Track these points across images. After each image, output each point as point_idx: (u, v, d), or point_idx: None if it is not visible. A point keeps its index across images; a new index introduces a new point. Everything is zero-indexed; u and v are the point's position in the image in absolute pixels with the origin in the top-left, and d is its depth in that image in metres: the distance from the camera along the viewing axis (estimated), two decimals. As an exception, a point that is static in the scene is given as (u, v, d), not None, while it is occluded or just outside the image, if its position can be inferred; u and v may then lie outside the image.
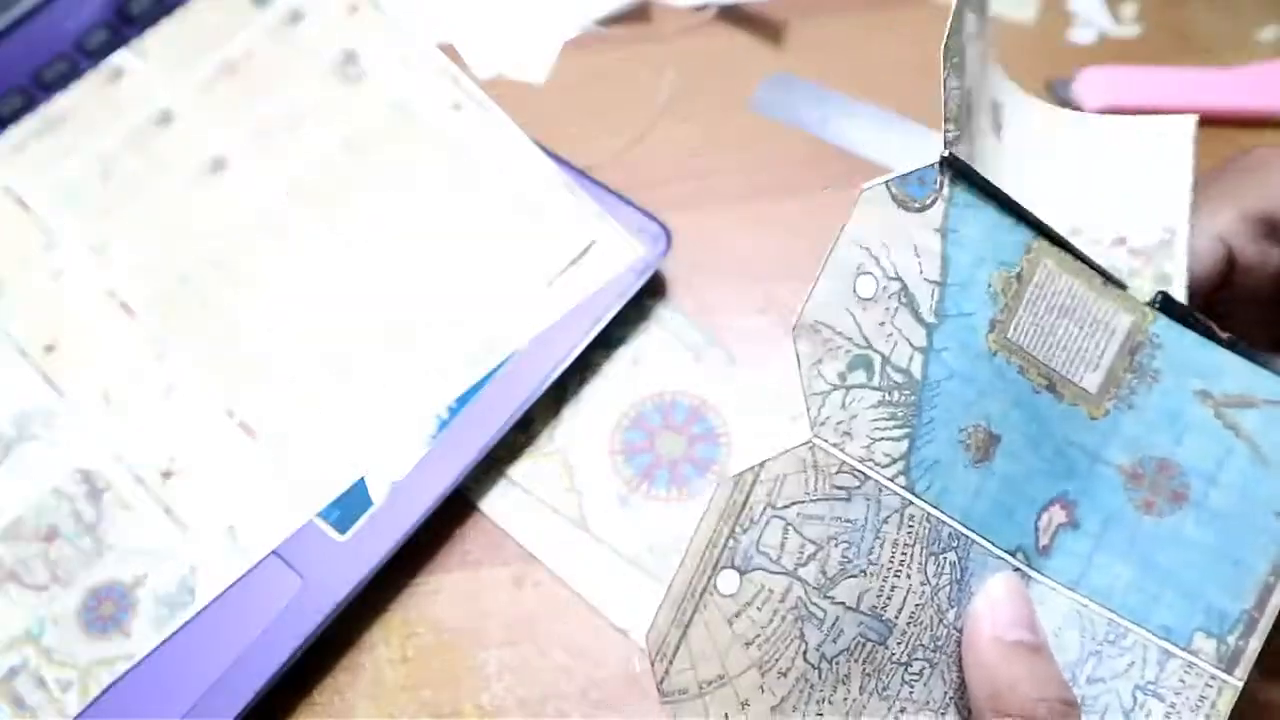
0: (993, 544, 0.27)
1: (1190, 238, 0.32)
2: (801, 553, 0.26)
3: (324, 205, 0.44)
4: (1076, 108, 0.48)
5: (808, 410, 0.26)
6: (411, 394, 0.41)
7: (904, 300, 0.27)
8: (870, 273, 0.26)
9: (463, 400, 0.40)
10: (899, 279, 0.27)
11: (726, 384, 0.43)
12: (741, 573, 0.26)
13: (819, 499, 0.26)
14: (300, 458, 0.40)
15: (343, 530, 0.38)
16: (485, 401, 0.40)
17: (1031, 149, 0.33)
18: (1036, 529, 0.28)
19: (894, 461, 0.26)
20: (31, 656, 0.37)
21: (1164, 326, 0.29)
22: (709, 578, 0.26)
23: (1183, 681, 0.28)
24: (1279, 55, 0.49)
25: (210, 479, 0.40)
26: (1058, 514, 0.28)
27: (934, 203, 0.27)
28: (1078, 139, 0.34)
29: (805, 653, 0.26)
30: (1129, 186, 0.33)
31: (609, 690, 0.38)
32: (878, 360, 0.26)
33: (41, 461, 0.40)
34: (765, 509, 0.26)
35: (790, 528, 0.26)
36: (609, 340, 0.43)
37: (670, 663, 0.26)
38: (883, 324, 0.26)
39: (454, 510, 0.40)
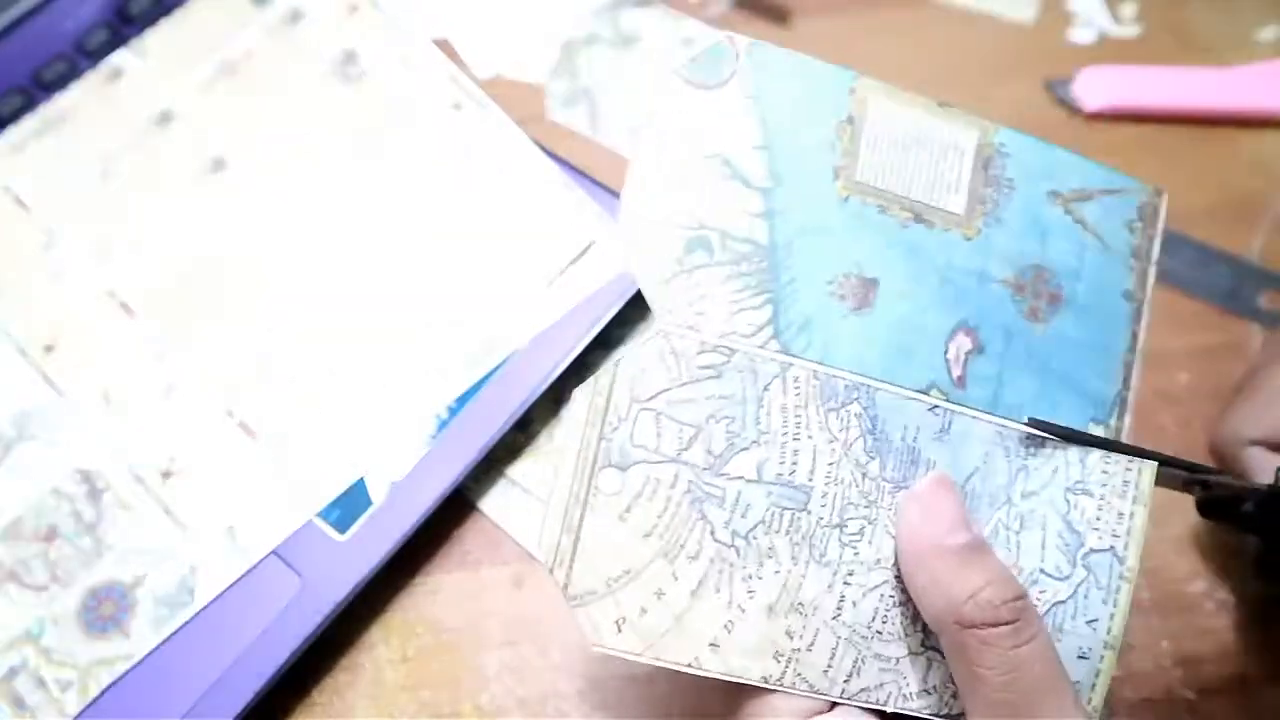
0: (900, 387, 0.27)
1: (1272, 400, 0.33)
2: (681, 438, 0.26)
3: (323, 205, 0.44)
4: (1075, 108, 0.48)
5: (651, 302, 0.26)
6: (411, 394, 0.41)
7: (729, 172, 0.27)
8: (683, 158, 0.26)
9: (463, 400, 0.40)
10: (717, 155, 0.27)
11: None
12: (621, 469, 0.26)
13: (685, 383, 0.26)
14: (300, 458, 0.40)
15: (343, 530, 0.38)
16: (485, 401, 0.40)
17: None
18: (947, 362, 0.27)
19: (759, 329, 0.26)
20: (31, 656, 0.37)
21: (1008, 135, 0.29)
22: (589, 480, 0.26)
23: (1105, 473, 0.28)
24: (1279, 55, 0.49)
25: (210, 479, 0.40)
26: (964, 342, 0.28)
27: (733, 75, 0.27)
28: None
29: (713, 532, 0.26)
30: None
31: (609, 690, 0.38)
32: (715, 236, 0.26)
33: (41, 461, 0.40)
34: (630, 405, 0.26)
35: (662, 416, 0.26)
36: (609, 340, 0.43)
37: (570, 568, 0.26)
38: (712, 200, 0.26)
39: (454, 510, 0.40)
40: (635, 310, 0.43)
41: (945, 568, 0.25)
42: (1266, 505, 0.32)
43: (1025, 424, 0.28)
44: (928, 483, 0.26)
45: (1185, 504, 0.39)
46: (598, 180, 0.44)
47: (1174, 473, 0.30)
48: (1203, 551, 0.38)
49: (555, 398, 0.42)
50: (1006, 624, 0.24)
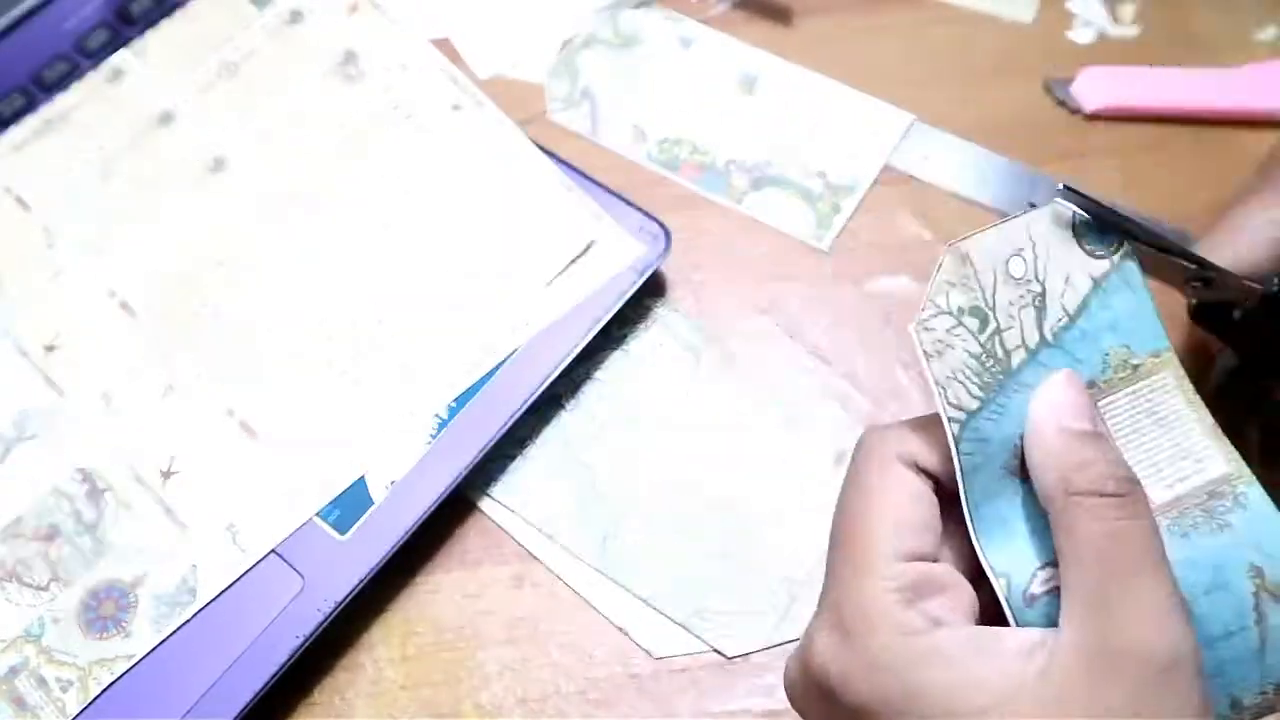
0: (988, 556, 0.27)
1: (1247, 225, 0.33)
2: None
3: (324, 205, 0.44)
4: (1075, 108, 0.48)
5: (924, 307, 0.28)
6: (411, 394, 0.41)
7: (1037, 305, 0.28)
8: (1025, 260, 0.28)
9: (463, 400, 0.40)
10: (1041, 285, 0.28)
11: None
12: None
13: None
14: (300, 458, 0.40)
15: (343, 530, 0.38)
16: (485, 401, 0.40)
17: None
18: (1033, 578, 0.28)
19: (959, 410, 0.27)
20: (31, 656, 0.37)
21: (1258, 495, 0.29)
22: None
23: None
24: (1278, 55, 0.49)
25: (210, 479, 0.40)
26: (1047, 577, 0.28)
27: (1103, 259, 0.29)
28: None
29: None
30: None
31: (609, 690, 0.38)
32: (992, 325, 0.28)
33: (41, 461, 0.40)
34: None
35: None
36: (609, 340, 0.43)
37: None
38: (1011, 304, 0.28)
39: (454, 510, 0.40)
40: (636, 310, 0.43)
41: (1063, 442, 0.26)
42: (1255, 313, 0.32)
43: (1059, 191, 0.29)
44: (1059, 378, 0.28)
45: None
46: (598, 180, 0.44)
47: (1176, 263, 0.30)
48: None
49: (555, 398, 0.42)
50: (1114, 495, 0.25)
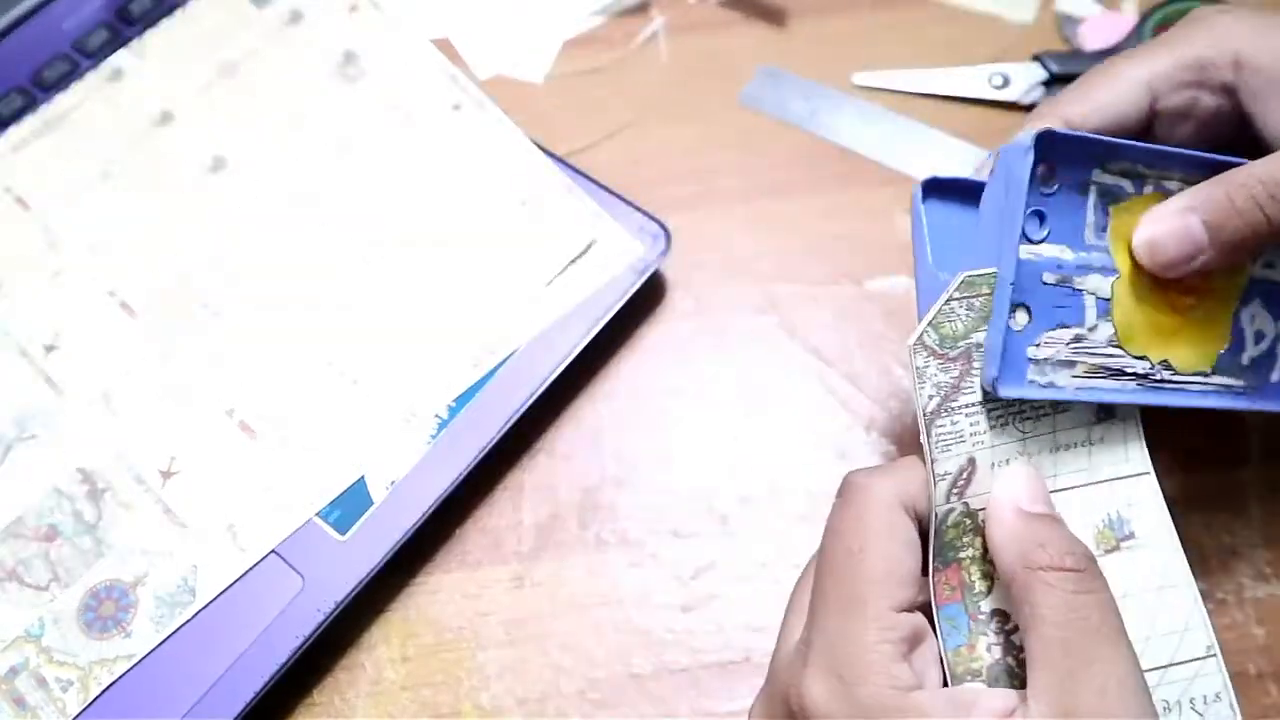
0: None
1: (1112, 83, 0.32)
2: None
3: (323, 205, 0.44)
4: (1078, 48, 0.48)
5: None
6: (411, 394, 0.41)
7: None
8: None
9: (463, 400, 0.40)
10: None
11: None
12: None
13: None
14: (300, 458, 0.40)
15: (343, 530, 0.38)
16: (485, 401, 0.40)
17: None
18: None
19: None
20: (32, 656, 0.37)
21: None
22: None
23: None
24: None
25: (210, 479, 0.40)
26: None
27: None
28: None
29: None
30: None
31: (608, 690, 0.38)
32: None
33: (41, 461, 0.40)
34: None
35: None
36: (609, 340, 0.43)
37: None
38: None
39: (454, 510, 0.40)
40: (636, 310, 0.43)
41: (1023, 525, 0.28)
42: None
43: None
44: (1017, 468, 0.29)
45: (1185, 504, 0.39)
46: (598, 180, 0.44)
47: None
48: (1203, 551, 0.38)
49: (555, 398, 0.42)
50: (1072, 570, 0.26)
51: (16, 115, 0.46)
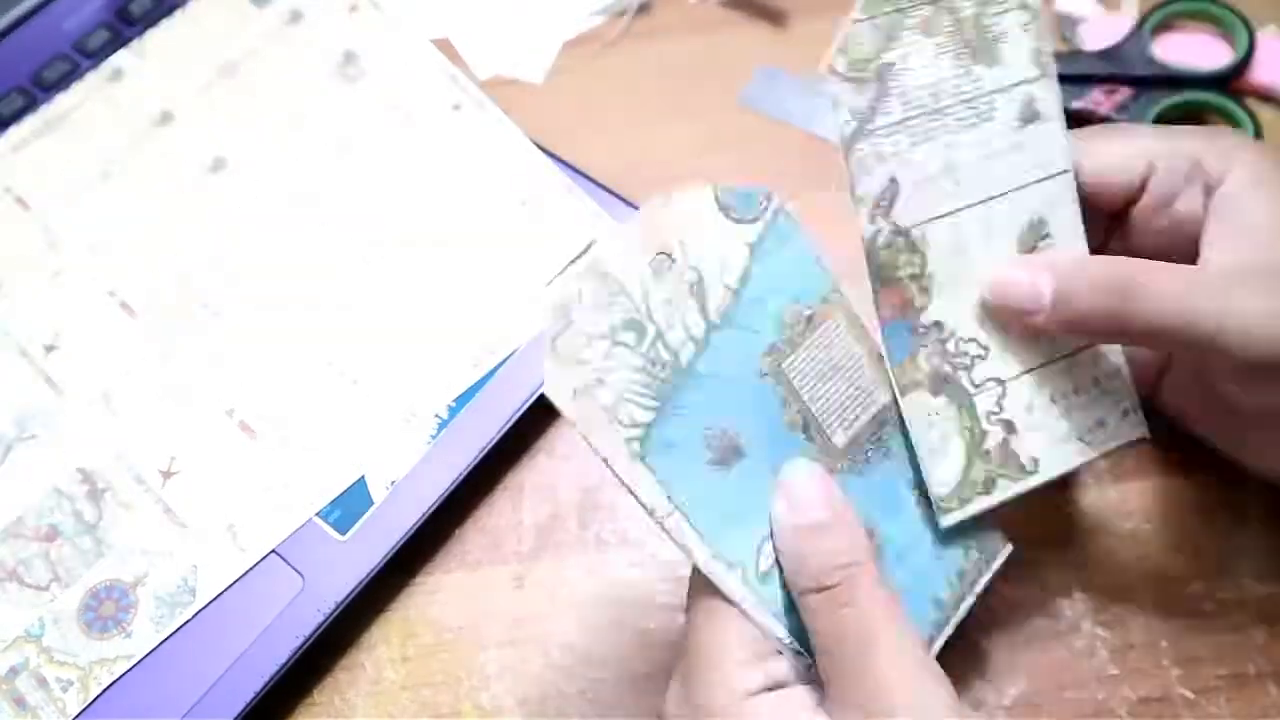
0: (710, 544, 0.28)
1: (1118, 136, 0.33)
2: None
3: (323, 205, 0.44)
4: (1078, 48, 0.48)
5: (552, 336, 0.27)
6: (411, 394, 0.41)
7: (696, 292, 0.28)
8: (670, 254, 0.27)
9: (463, 400, 0.40)
10: (697, 271, 0.28)
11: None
12: None
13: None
14: (300, 458, 0.40)
15: (343, 530, 0.38)
16: (485, 401, 0.40)
17: None
18: (759, 554, 0.29)
19: (636, 425, 0.27)
20: (32, 656, 0.37)
21: (903, 411, 0.31)
22: None
23: None
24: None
25: (210, 479, 0.40)
26: (770, 549, 0.29)
27: (754, 221, 0.29)
28: None
29: None
30: None
31: (608, 690, 0.38)
32: (651, 331, 0.27)
33: (41, 461, 0.40)
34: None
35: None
36: (609, 340, 0.43)
37: None
38: (669, 302, 0.27)
39: (454, 510, 0.40)
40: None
41: (794, 544, 0.28)
42: None
43: None
44: (795, 470, 0.29)
45: (1185, 504, 0.39)
46: (598, 180, 0.44)
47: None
48: (1202, 551, 0.38)
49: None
50: (831, 588, 0.27)
51: (16, 115, 0.46)
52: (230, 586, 0.38)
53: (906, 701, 0.26)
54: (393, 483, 0.39)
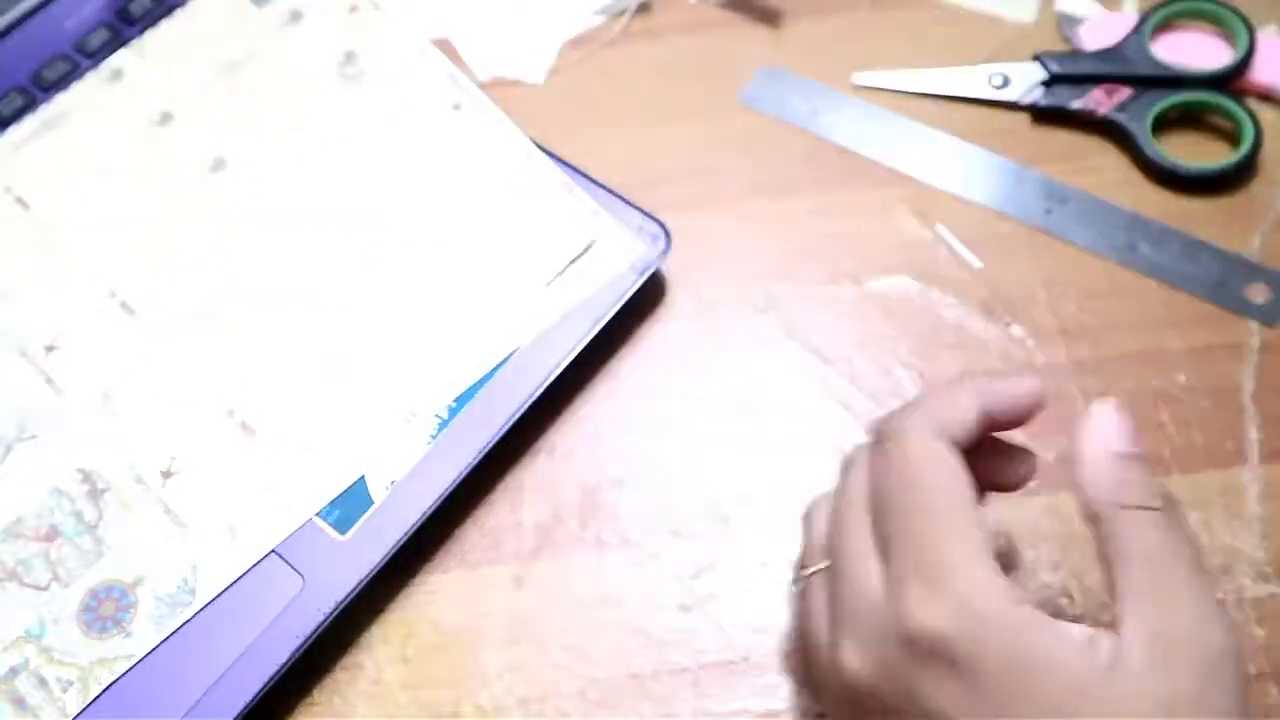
0: None
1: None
2: None
3: (323, 205, 0.44)
4: (1078, 48, 0.48)
5: None
6: (411, 394, 0.41)
7: None
8: None
9: (463, 400, 0.40)
10: None
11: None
12: None
13: None
14: (300, 458, 0.40)
15: (343, 530, 0.38)
16: (485, 401, 0.40)
17: None
18: None
19: None
20: (32, 656, 0.37)
21: None
22: None
23: None
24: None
25: (210, 479, 0.40)
26: None
27: None
28: None
29: None
30: None
31: (609, 690, 0.38)
32: None
33: (41, 461, 0.40)
34: None
35: None
36: (609, 340, 0.43)
37: None
38: None
39: (454, 510, 0.40)
40: (636, 310, 0.43)
41: (1114, 464, 0.29)
42: None
43: None
44: (1108, 406, 0.30)
45: (1184, 504, 0.39)
46: (598, 180, 0.44)
47: None
48: (1201, 551, 0.38)
49: (555, 398, 0.42)
50: (1160, 509, 0.28)
51: (16, 115, 0.46)
52: (230, 586, 0.38)
53: (1220, 635, 0.27)
54: (393, 483, 0.39)
